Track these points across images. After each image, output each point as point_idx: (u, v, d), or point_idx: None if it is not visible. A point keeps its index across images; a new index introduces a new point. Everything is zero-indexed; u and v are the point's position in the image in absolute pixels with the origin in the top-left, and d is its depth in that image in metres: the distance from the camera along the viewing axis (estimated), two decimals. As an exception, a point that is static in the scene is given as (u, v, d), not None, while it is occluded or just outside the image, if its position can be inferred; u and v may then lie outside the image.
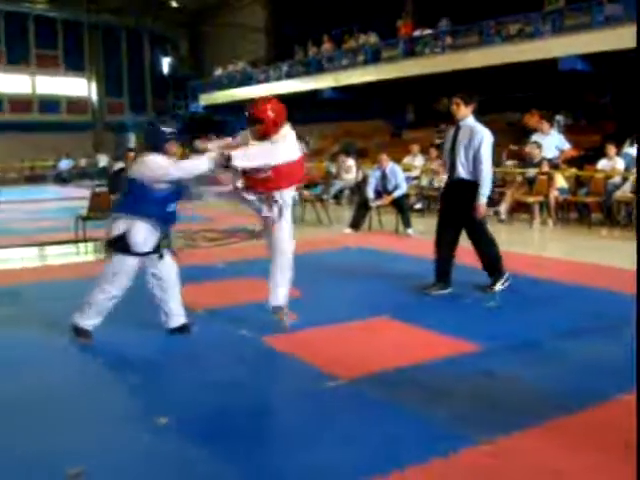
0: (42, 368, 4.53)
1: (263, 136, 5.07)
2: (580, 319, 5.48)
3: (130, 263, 4.94)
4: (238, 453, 3.19)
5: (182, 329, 5.22)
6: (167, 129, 5.04)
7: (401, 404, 3.76)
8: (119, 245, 4.92)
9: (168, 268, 5.17)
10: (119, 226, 4.91)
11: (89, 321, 5.04)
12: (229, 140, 5.38)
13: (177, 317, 5.23)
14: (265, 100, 5.25)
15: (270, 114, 5.02)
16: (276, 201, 5.11)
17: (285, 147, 5.07)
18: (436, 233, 6.62)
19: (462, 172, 6.26)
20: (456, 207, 6.38)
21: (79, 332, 5.03)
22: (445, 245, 6.48)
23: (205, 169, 4.87)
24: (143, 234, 4.91)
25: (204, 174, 4.96)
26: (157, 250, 5.04)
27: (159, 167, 4.84)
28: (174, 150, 5.05)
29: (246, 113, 5.16)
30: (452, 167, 6.36)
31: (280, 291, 5.28)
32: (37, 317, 5.90)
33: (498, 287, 6.40)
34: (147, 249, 4.97)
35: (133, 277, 5.01)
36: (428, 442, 3.27)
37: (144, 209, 4.88)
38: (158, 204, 4.91)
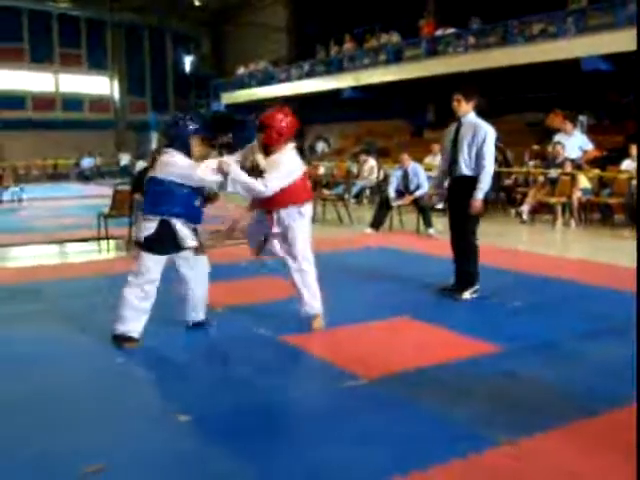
0: (62, 365, 4.57)
1: (265, 146, 5.04)
2: (601, 321, 5.44)
3: (158, 261, 4.96)
4: (257, 451, 3.19)
5: (202, 324, 5.29)
6: (191, 125, 5.06)
7: (422, 404, 3.75)
8: (147, 245, 4.93)
9: (199, 264, 5.20)
10: (148, 226, 4.91)
11: (129, 326, 4.92)
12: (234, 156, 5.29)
13: (200, 313, 5.29)
14: (277, 108, 5.23)
15: (276, 122, 4.99)
16: (279, 218, 5.11)
17: (281, 173, 4.94)
18: (450, 234, 6.52)
19: (464, 169, 6.13)
20: (461, 204, 6.21)
21: (122, 339, 4.91)
22: (461, 246, 6.38)
23: (217, 182, 4.88)
24: (185, 230, 4.96)
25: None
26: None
27: (182, 168, 4.86)
28: (197, 147, 5.05)
29: (256, 120, 5.19)
30: (454, 163, 6.22)
31: (316, 298, 5.22)
32: (58, 314, 5.95)
33: (466, 295, 6.21)
34: (193, 244, 5.01)
35: (160, 276, 5.00)
36: (449, 442, 3.25)
37: (172, 208, 4.89)
38: (184, 202, 4.92)
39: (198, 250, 5.14)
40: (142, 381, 4.27)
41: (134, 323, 4.91)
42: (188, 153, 4.96)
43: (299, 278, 5.17)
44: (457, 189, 6.30)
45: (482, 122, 6.16)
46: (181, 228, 4.93)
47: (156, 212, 4.92)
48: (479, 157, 6.05)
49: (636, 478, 2.44)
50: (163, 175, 4.91)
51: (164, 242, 4.91)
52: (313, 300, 5.18)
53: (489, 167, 6.07)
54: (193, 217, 5.04)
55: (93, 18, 35.22)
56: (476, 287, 6.24)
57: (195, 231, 5.10)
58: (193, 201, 4.97)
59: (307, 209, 5.22)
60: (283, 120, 5.01)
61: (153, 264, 4.92)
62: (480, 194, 6.07)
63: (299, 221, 5.14)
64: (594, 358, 4.53)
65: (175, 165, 4.88)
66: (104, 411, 3.75)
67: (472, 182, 6.09)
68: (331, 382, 4.12)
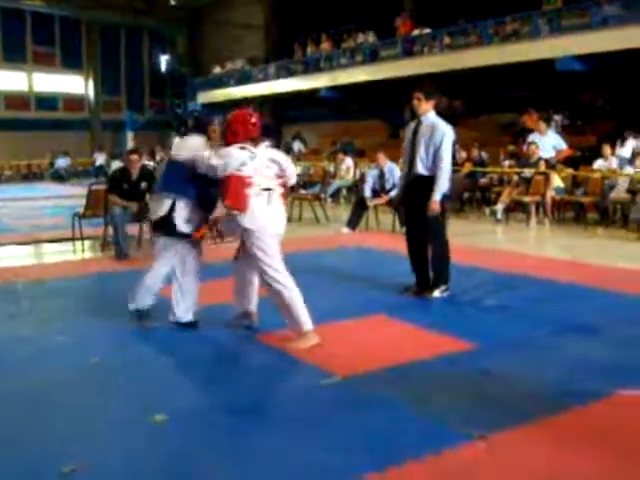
0: (36, 366, 4.54)
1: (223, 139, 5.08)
2: (575, 318, 5.50)
3: (172, 243, 5.19)
4: (233, 451, 3.20)
5: (188, 325, 5.30)
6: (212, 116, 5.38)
7: (396, 401, 3.78)
8: (163, 226, 5.12)
9: (190, 258, 5.29)
10: (163, 206, 5.07)
11: (142, 302, 5.34)
12: None
13: (185, 312, 5.32)
14: (241, 109, 5.26)
15: (232, 122, 4.98)
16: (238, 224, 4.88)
17: (219, 153, 4.90)
18: (407, 234, 6.46)
19: (421, 168, 6.10)
20: (417, 204, 6.14)
21: (140, 315, 5.35)
22: (418, 247, 6.33)
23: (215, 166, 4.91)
24: (185, 214, 5.07)
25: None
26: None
27: (196, 149, 5.04)
28: (215, 134, 5.22)
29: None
30: (411, 163, 6.19)
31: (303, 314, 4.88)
32: (33, 315, 5.92)
33: (436, 294, 6.20)
34: (187, 230, 5.12)
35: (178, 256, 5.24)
36: (423, 439, 3.28)
37: (186, 189, 5.03)
38: (199, 185, 5.05)
39: (195, 238, 5.23)
40: (117, 381, 4.25)
41: (147, 299, 5.35)
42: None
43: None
44: (414, 189, 6.24)
45: (441, 122, 6.11)
46: (181, 211, 5.04)
47: (168, 191, 5.09)
48: (436, 157, 6.00)
49: None
50: (179, 156, 5.12)
51: (164, 225, 5.09)
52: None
53: (446, 167, 6.01)
54: (205, 201, 5.11)
55: (67, 16, 34.89)
56: (447, 286, 6.27)
57: (206, 218, 5.19)
58: (208, 187, 5.04)
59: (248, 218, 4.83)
60: (238, 121, 4.99)
61: (167, 244, 5.17)
62: (437, 195, 5.99)
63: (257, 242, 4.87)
64: (566, 355, 4.59)
65: (191, 146, 5.09)
66: (79, 411, 3.74)
67: (429, 182, 6.03)
68: (306, 380, 4.14)
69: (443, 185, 6.02)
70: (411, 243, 6.40)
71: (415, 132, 6.21)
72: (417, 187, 6.18)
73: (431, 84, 6.24)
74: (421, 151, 6.08)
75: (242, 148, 4.84)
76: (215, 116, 5.36)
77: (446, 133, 6.04)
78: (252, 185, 4.78)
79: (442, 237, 6.27)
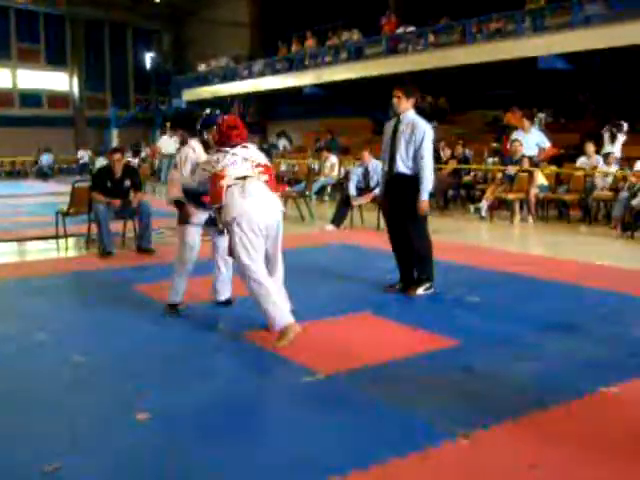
0: (18, 364, 4.52)
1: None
2: (558, 315, 5.54)
3: (190, 232, 5.63)
4: (215, 449, 3.20)
5: (227, 303, 5.89)
6: (209, 117, 5.83)
7: (380, 399, 3.79)
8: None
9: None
10: None
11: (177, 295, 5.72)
12: None
13: (227, 291, 5.91)
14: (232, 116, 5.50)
15: (221, 125, 5.13)
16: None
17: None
18: (389, 232, 6.47)
19: (402, 166, 6.11)
20: (399, 203, 6.18)
21: (171, 307, 5.73)
22: (401, 244, 6.35)
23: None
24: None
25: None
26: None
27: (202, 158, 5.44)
28: (213, 136, 5.49)
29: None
30: (391, 161, 6.19)
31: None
32: (15, 312, 5.89)
33: (420, 292, 6.21)
34: (198, 220, 5.61)
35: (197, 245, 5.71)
36: (406, 436, 3.30)
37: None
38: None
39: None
40: (99, 379, 4.23)
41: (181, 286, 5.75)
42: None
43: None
44: (395, 187, 6.24)
45: (421, 120, 6.12)
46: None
47: None
48: (418, 155, 6.02)
49: None
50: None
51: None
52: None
53: (429, 166, 6.05)
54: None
55: (52, 13, 34.70)
56: (431, 284, 6.28)
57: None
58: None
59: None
60: (222, 123, 5.12)
61: (185, 234, 5.70)
62: (425, 195, 6.04)
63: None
64: (549, 352, 4.62)
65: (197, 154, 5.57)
66: (60, 410, 3.72)
67: (410, 181, 6.05)
68: (289, 378, 4.14)
69: (428, 184, 6.05)
70: (394, 241, 6.42)
71: (395, 130, 6.21)
72: (398, 185, 6.20)
73: (411, 82, 6.24)
74: (401, 149, 6.10)
75: (219, 151, 4.99)
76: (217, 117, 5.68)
77: (426, 131, 6.05)
78: (225, 176, 4.81)
79: (425, 235, 6.29)
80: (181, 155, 5.66)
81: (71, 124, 35.76)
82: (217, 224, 5.19)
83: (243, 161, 4.92)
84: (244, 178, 4.84)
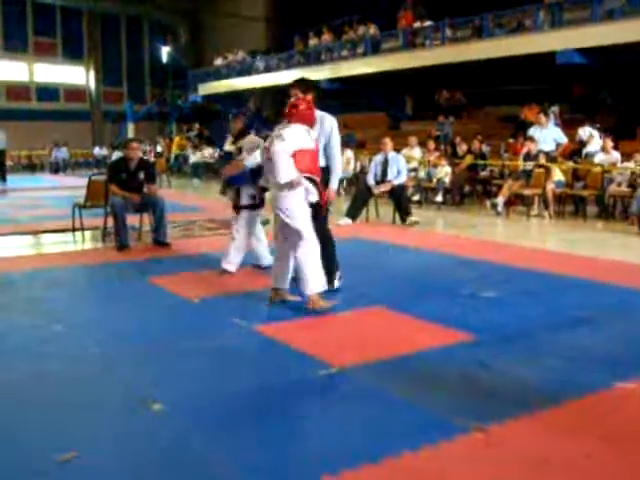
0: (35, 354, 4.55)
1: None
2: (574, 310, 5.51)
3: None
4: (231, 441, 3.21)
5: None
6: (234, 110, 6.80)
7: (394, 392, 3.79)
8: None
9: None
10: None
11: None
12: None
13: (266, 259, 6.99)
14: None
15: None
16: None
17: None
18: None
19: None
20: None
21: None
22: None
23: None
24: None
25: None
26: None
27: None
28: (232, 126, 6.94)
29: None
30: None
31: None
32: (33, 304, 5.92)
33: (337, 284, 6.16)
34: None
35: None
36: (420, 429, 3.29)
37: None
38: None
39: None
40: (115, 370, 4.25)
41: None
42: None
43: None
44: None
45: (326, 113, 6.14)
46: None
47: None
48: (328, 146, 6.05)
49: None
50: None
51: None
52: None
53: (339, 155, 6.18)
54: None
55: (68, 6, 34.85)
56: (336, 277, 6.17)
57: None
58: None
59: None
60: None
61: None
62: (335, 183, 6.17)
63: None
64: (564, 347, 4.59)
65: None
66: (76, 400, 3.75)
67: (323, 172, 5.92)
68: (304, 371, 4.14)
69: (340, 171, 6.28)
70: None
71: None
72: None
73: (307, 80, 6.26)
74: None
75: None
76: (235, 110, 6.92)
77: (334, 121, 6.14)
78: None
79: (328, 227, 6.25)
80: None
81: (87, 118, 35.97)
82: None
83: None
84: None
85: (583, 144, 13.16)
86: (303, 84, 6.10)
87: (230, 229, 7.04)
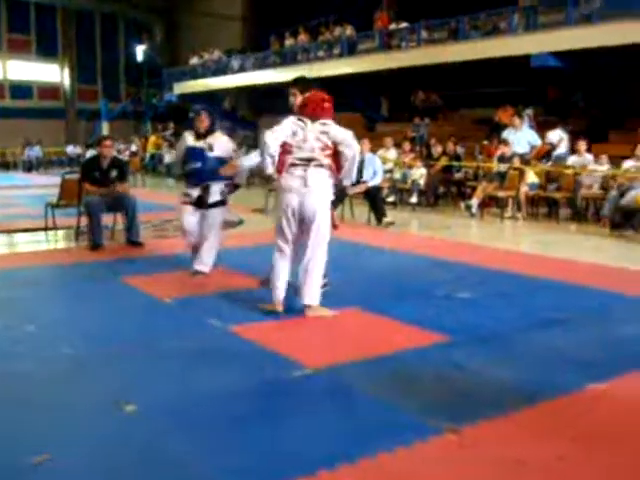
0: (6, 355, 4.50)
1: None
2: (547, 311, 5.55)
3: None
4: (206, 442, 3.19)
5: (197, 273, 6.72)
6: (194, 107, 6.69)
7: (369, 393, 3.79)
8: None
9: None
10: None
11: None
12: None
13: (199, 264, 6.71)
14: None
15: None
16: None
17: None
18: None
19: None
20: None
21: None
22: None
23: None
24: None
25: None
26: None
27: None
28: (199, 124, 6.78)
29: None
30: None
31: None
32: (3, 304, 5.87)
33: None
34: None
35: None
36: (395, 431, 3.29)
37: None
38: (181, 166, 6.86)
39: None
40: (88, 371, 4.22)
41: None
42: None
43: None
44: None
45: None
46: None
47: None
48: None
49: None
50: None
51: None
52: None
53: None
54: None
55: (43, 3, 34.52)
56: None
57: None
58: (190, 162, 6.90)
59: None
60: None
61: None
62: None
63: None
64: (538, 348, 4.63)
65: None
66: (50, 402, 3.71)
67: None
68: (278, 372, 4.13)
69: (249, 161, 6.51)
70: None
71: None
72: None
73: (306, 79, 6.26)
74: None
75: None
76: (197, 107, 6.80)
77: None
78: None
79: None
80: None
81: (61, 116, 35.62)
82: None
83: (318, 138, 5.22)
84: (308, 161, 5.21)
85: (553, 147, 13.28)
86: (302, 83, 6.07)
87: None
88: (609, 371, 4.12)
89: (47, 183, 17.56)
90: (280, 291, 5.34)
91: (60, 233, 9.65)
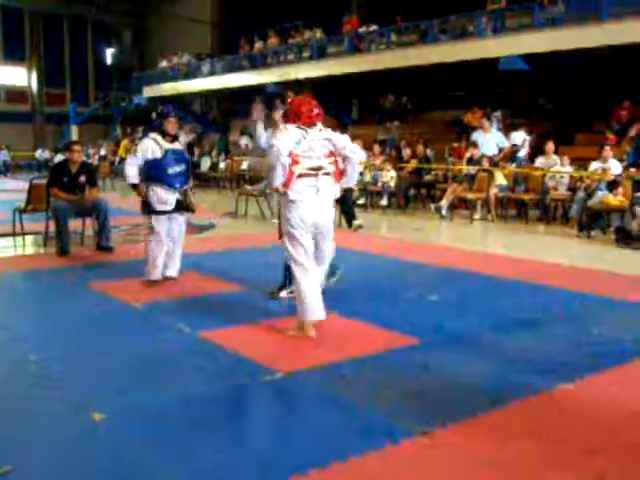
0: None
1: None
2: (516, 313, 5.60)
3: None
4: (176, 449, 3.17)
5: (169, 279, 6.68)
6: (162, 109, 6.69)
7: (339, 397, 3.79)
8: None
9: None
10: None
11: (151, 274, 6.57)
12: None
13: (171, 270, 6.70)
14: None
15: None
16: None
17: None
18: None
19: None
20: None
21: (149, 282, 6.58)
22: None
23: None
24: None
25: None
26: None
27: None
28: (170, 127, 6.61)
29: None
30: None
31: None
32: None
33: (282, 294, 6.08)
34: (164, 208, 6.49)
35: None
36: (365, 435, 3.30)
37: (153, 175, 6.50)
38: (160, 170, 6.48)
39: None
40: (55, 378, 4.16)
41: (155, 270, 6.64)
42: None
43: None
44: None
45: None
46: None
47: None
48: None
49: None
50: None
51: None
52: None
53: None
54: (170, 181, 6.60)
55: (10, 6, 34.11)
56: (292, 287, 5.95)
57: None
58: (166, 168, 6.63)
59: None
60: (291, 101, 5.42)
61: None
62: None
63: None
64: (507, 350, 4.67)
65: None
66: (15, 410, 3.66)
67: None
68: (248, 377, 4.11)
69: None
70: None
71: None
72: None
73: (300, 80, 6.23)
74: None
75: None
76: (164, 110, 6.72)
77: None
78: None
79: None
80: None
81: (29, 120, 35.22)
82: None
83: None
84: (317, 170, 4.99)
85: (517, 148, 13.44)
86: (296, 86, 6.03)
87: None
88: (577, 371, 4.17)
89: (15, 188, 17.34)
90: (317, 308, 4.96)
91: (28, 239, 9.53)
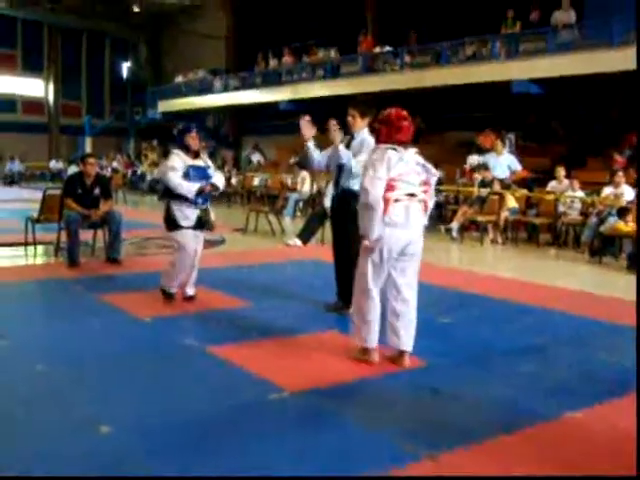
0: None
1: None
2: (526, 338, 5.57)
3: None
4: (179, 467, 3.16)
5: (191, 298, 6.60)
6: (184, 125, 6.63)
7: (346, 418, 3.78)
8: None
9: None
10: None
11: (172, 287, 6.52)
12: None
13: (189, 289, 6.62)
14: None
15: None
16: None
17: None
18: (334, 249, 6.43)
19: (352, 182, 5.99)
20: (345, 218, 5.90)
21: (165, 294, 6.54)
22: (343, 262, 6.18)
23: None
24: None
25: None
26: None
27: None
28: (193, 142, 6.50)
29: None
30: (339, 178, 6.19)
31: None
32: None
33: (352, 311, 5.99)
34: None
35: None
36: (372, 456, 3.29)
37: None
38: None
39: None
40: (63, 390, 4.17)
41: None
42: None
43: None
44: (343, 202, 6.15)
45: (371, 139, 5.78)
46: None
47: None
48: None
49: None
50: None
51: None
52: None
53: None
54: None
55: (30, 19, 34.45)
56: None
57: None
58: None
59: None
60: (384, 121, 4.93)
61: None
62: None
63: None
64: (516, 375, 4.64)
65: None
66: (22, 421, 3.66)
67: (356, 196, 5.43)
68: (255, 394, 4.11)
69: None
70: (337, 256, 6.36)
71: (347, 147, 6.14)
72: (346, 201, 6.05)
73: (366, 102, 6.21)
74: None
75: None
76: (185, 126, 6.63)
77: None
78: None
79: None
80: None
81: (45, 131, 35.46)
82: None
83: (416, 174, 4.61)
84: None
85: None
86: (362, 106, 5.99)
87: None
88: (586, 399, 4.14)
89: (28, 197, 17.43)
90: (375, 337, 4.79)
91: (40, 249, 9.57)
